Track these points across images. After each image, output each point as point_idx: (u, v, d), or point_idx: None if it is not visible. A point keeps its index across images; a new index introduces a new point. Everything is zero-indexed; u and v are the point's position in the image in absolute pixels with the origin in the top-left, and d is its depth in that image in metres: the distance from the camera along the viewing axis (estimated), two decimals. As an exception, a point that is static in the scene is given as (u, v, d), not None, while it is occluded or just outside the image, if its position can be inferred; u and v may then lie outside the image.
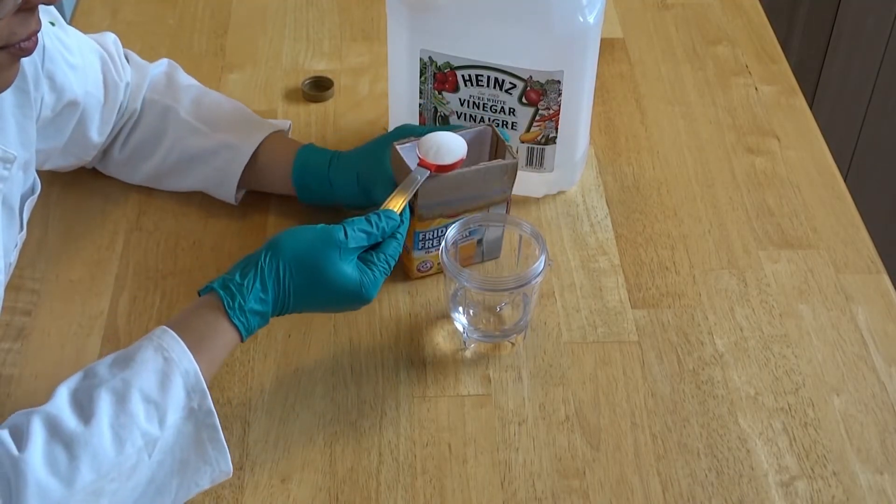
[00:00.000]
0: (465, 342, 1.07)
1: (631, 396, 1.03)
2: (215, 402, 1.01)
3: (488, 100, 1.16)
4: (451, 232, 1.05)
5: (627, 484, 0.96)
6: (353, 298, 0.97)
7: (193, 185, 1.21)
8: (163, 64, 1.24)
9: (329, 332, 1.08)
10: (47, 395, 1.02)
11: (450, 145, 1.05)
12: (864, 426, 1.01)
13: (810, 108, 1.37)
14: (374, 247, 1.00)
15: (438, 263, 1.11)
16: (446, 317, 1.09)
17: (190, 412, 0.88)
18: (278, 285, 0.95)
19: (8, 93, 1.02)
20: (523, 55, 1.12)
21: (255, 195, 1.22)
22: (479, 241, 1.12)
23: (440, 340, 1.08)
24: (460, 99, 1.17)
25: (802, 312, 1.11)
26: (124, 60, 1.20)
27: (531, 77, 1.13)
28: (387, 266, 0.99)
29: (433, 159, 1.04)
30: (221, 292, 0.93)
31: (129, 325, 1.08)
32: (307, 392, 1.03)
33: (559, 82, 1.13)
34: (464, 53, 1.14)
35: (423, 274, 1.13)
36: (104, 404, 0.85)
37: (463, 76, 1.15)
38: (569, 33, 1.11)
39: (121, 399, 0.86)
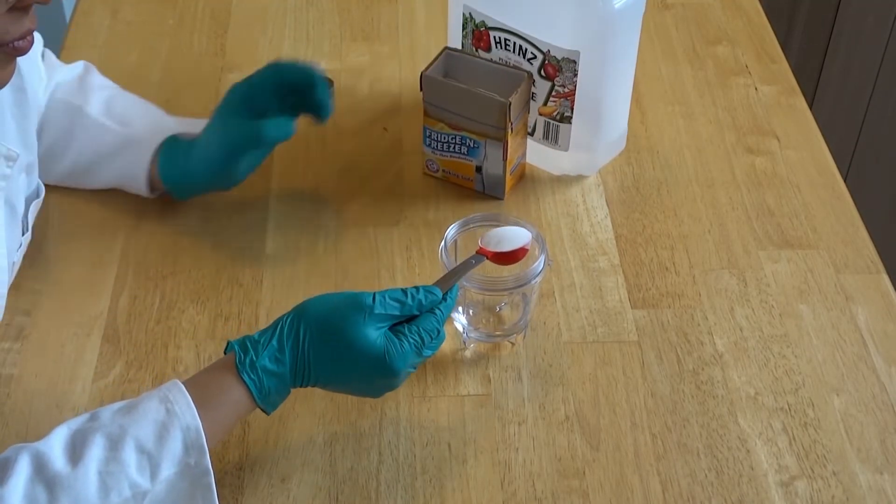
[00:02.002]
0: (465, 342, 1.07)
1: (631, 396, 1.03)
2: (215, 402, 1.01)
3: (514, 65, 1.19)
4: (451, 231, 1.05)
5: (627, 484, 0.96)
6: (377, 367, 0.90)
7: (107, 183, 1.19)
8: (78, 66, 1.23)
9: (329, 332, 1.08)
10: (46, 394, 1.02)
11: (513, 238, 1.03)
12: (864, 426, 1.01)
13: (810, 108, 1.37)
14: (412, 321, 0.93)
15: (444, 169, 1.23)
16: (446, 317, 1.09)
17: (186, 468, 0.84)
18: (296, 347, 0.90)
19: (7, 93, 1.01)
20: (544, 28, 1.16)
21: (255, 194, 1.22)
22: (479, 169, 1.20)
23: (440, 340, 1.08)
24: (491, 59, 1.20)
25: (802, 312, 1.11)
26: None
27: (549, 51, 1.16)
28: (419, 339, 0.91)
29: (493, 248, 1.02)
30: (236, 347, 0.89)
31: (128, 325, 1.08)
32: (307, 392, 1.02)
33: (575, 62, 1.15)
34: (496, 15, 1.18)
35: (432, 174, 1.24)
36: (96, 449, 0.82)
37: (495, 37, 1.19)
38: (586, 15, 1.13)
39: (114, 446, 0.83)
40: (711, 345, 1.08)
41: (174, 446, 0.84)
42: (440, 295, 0.94)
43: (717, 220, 1.21)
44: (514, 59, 1.20)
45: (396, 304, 0.92)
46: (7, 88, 1.01)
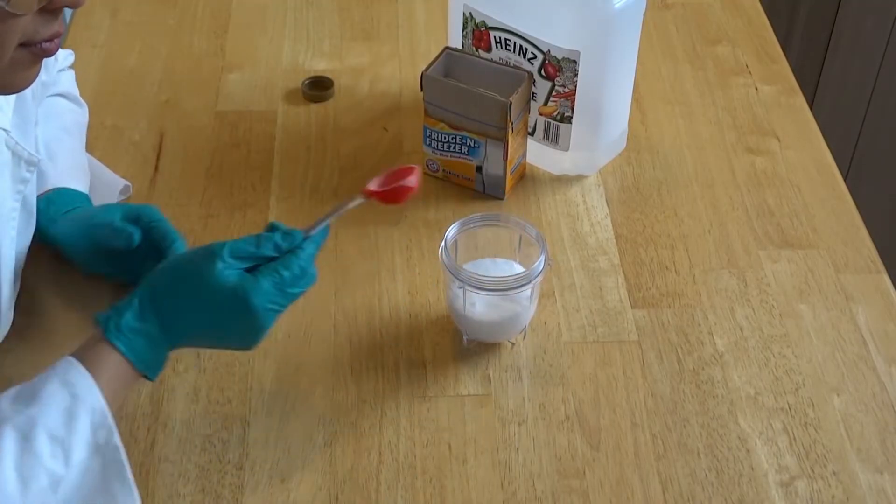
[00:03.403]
0: (465, 342, 1.07)
1: (631, 396, 1.03)
2: (215, 403, 1.01)
3: (514, 65, 1.19)
4: (451, 231, 1.05)
5: (627, 484, 0.96)
6: (234, 304, 0.89)
7: None
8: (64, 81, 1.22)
9: (329, 332, 1.08)
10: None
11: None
12: (864, 426, 1.01)
13: (810, 108, 1.37)
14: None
15: (444, 169, 1.23)
16: (446, 317, 1.09)
17: (96, 449, 0.85)
18: (156, 301, 0.90)
19: (33, 101, 1.02)
20: (544, 28, 1.16)
21: (255, 194, 1.22)
22: (479, 169, 1.20)
23: (440, 340, 1.08)
24: (492, 59, 1.21)
25: (802, 312, 1.11)
26: None
27: (549, 51, 1.16)
28: (277, 276, 0.90)
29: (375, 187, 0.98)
30: (101, 318, 0.90)
31: (129, 325, 1.08)
32: (307, 392, 1.03)
33: (575, 62, 1.15)
34: (497, 15, 1.19)
35: (432, 174, 1.24)
36: (8, 443, 0.82)
37: (495, 37, 1.19)
38: (587, 15, 1.13)
39: (25, 437, 0.83)
40: (711, 345, 1.08)
41: (83, 430, 0.85)
42: (300, 236, 0.93)
43: (717, 220, 1.21)
44: (515, 59, 1.20)
45: (248, 248, 0.90)
46: (36, 99, 1.03)
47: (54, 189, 1.11)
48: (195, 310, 0.90)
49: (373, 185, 0.96)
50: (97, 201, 1.17)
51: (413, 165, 0.97)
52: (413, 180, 0.96)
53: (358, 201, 0.96)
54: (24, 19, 0.79)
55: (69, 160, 1.15)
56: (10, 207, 0.99)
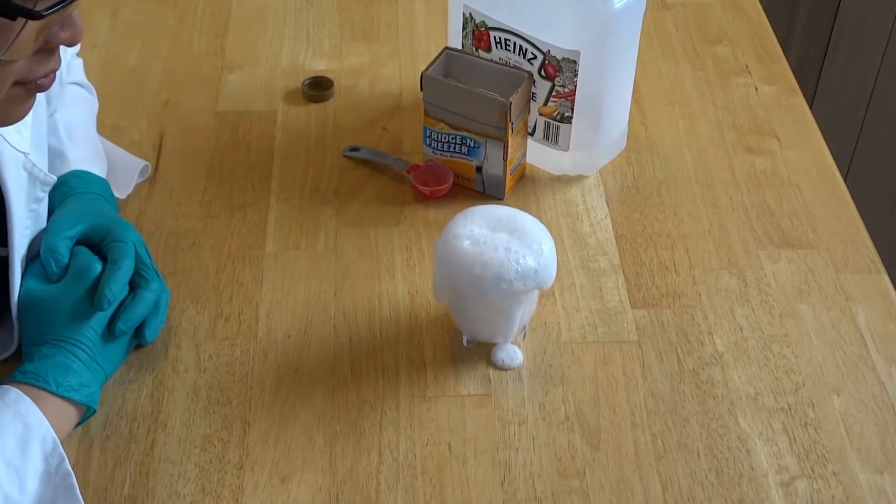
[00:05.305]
0: (465, 342, 1.07)
1: (631, 396, 1.03)
2: (215, 403, 1.01)
3: (514, 65, 1.19)
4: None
5: (627, 484, 0.96)
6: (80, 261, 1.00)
7: None
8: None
9: (329, 332, 1.08)
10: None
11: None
12: (864, 426, 1.01)
13: (810, 108, 1.37)
14: None
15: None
16: (446, 317, 1.09)
17: (48, 477, 0.89)
18: (35, 340, 0.97)
19: (42, 121, 1.04)
20: (544, 28, 1.16)
21: (255, 194, 1.22)
22: (479, 169, 1.20)
23: (440, 340, 1.08)
24: (492, 59, 1.21)
25: (802, 312, 1.11)
26: None
27: (549, 51, 1.16)
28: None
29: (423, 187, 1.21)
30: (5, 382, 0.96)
31: (129, 325, 1.08)
32: (307, 392, 1.03)
33: (575, 62, 1.15)
34: (497, 15, 1.19)
35: None
36: None
37: (495, 38, 1.19)
38: (586, 15, 1.13)
39: None
40: (711, 345, 1.08)
41: (35, 458, 0.89)
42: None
43: (717, 220, 1.21)
44: (515, 59, 1.20)
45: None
46: (44, 114, 1.04)
47: (73, 172, 1.12)
48: (64, 307, 0.98)
49: (415, 176, 1.21)
50: (117, 185, 1.18)
51: (449, 173, 1.21)
52: (437, 192, 1.21)
53: (400, 166, 1.24)
54: (20, 62, 0.79)
55: (88, 146, 1.16)
56: (24, 226, 1.01)
